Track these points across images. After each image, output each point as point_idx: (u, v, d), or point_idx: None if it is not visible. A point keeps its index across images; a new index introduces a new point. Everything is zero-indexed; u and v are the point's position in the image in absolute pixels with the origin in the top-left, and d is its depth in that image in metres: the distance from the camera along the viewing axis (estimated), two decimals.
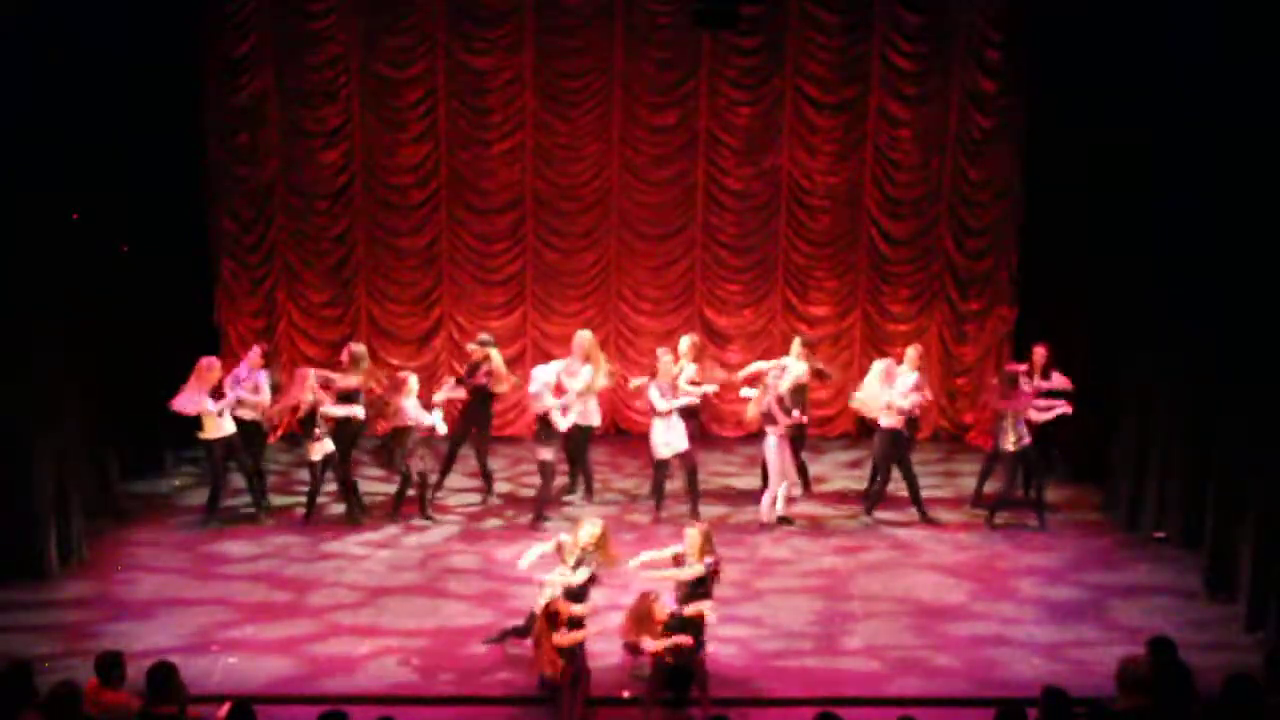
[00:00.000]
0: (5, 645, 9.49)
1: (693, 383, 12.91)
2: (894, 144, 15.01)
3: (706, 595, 9.29)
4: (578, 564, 9.45)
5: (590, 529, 9.54)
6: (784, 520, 12.65)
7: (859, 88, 14.87)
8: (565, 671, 8.88)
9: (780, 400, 12.38)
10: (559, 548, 9.59)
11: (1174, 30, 11.40)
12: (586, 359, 12.86)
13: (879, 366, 12.74)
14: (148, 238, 13.36)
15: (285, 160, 14.79)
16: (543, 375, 12.57)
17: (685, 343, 13.23)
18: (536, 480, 12.71)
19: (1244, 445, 10.58)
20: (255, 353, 12.86)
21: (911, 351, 12.97)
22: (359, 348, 12.91)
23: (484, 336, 13.25)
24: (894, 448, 12.58)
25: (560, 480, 13.03)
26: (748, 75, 14.89)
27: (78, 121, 11.67)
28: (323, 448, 12.25)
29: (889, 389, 12.50)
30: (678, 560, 9.48)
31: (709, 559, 9.31)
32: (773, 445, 12.41)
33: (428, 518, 12.59)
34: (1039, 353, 13.02)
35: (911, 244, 15.30)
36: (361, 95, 14.67)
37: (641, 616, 9.05)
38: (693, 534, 9.42)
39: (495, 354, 13.04)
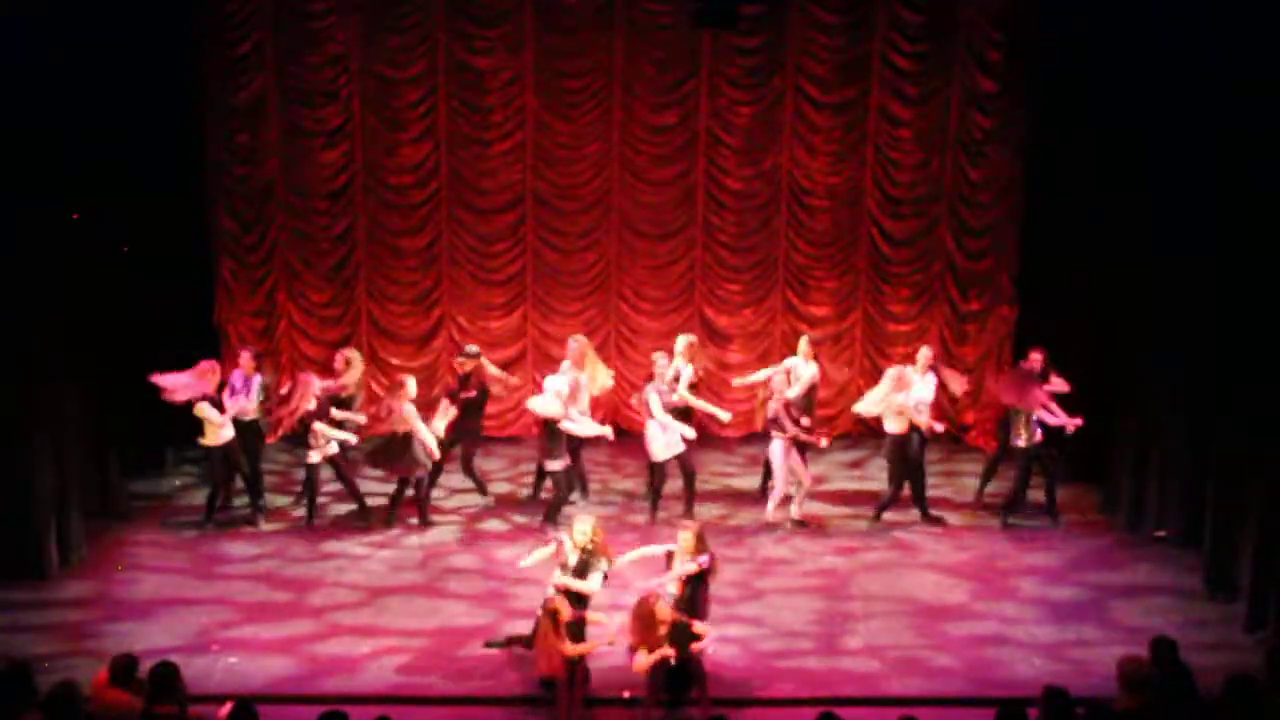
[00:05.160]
0: (5, 645, 9.49)
1: (691, 384, 12.87)
2: (894, 144, 14.98)
3: (703, 594, 9.33)
4: (581, 566, 9.37)
5: (582, 526, 9.45)
6: (799, 524, 12.56)
7: (859, 88, 14.83)
8: (565, 670, 8.86)
9: (788, 406, 12.35)
10: (558, 549, 9.57)
11: (1174, 30, 11.39)
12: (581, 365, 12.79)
13: (891, 374, 12.52)
14: (148, 237, 13.33)
15: (285, 160, 14.76)
16: (555, 384, 12.33)
17: (682, 342, 13.14)
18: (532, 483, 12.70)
19: (1244, 445, 10.58)
20: (246, 358, 12.73)
21: (924, 354, 12.90)
22: (352, 352, 13.56)
23: (470, 348, 13.23)
24: (903, 451, 12.48)
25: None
26: (748, 75, 14.85)
27: (78, 121, 11.65)
28: (322, 451, 12.23)
29: (900, 395, 12.34)
30: (670, 558, 9.49)
31: (702, 557, 9.33)
32: (778, 448, 12.39)
33: (427, 522, 12.53)
34: (1036, 357, 12.78)
35: (912, 244, 15.26)
36: (361, 95, 14.64)
37: (644, 619, 8.95)
38: (685, 535, 9.43)
39: (485, 363, 13.09)
